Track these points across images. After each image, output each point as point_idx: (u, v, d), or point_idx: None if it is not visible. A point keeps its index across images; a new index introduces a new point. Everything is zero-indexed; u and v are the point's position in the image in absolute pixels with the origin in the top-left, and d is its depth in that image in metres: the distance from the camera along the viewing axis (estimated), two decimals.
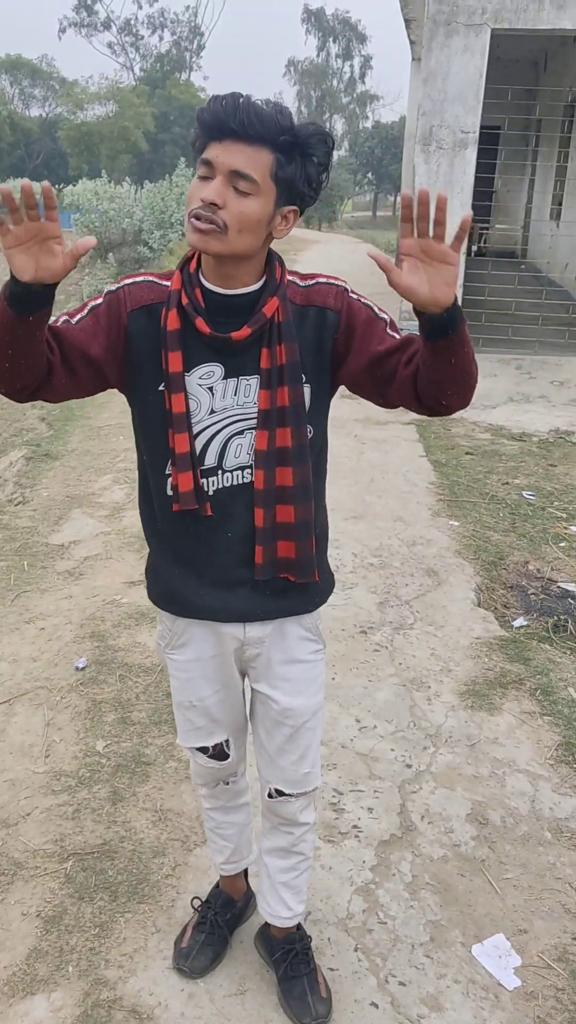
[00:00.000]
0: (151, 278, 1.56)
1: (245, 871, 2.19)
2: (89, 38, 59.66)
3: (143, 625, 3.57)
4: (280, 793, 1.84)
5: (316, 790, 1.88)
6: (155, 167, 43.48)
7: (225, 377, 1.54)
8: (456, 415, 6.91)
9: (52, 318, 1.45)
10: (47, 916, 2.20)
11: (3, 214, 1.30)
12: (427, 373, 1.44)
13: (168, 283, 1.54)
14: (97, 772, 2.71)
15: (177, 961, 2.06)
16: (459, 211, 7.46)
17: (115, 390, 1.62)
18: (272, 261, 1.54)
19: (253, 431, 1.56)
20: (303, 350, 1.54)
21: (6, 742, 2.86)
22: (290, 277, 1.57)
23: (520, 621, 3.72)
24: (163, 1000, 1.98)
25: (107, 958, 2.08)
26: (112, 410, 6.77)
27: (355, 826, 2.52)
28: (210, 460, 1.57)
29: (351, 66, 57.29)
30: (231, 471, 1.58)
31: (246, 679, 1.84)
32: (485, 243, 13.79)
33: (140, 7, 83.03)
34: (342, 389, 1.65)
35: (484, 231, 13.95)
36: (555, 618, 3.72)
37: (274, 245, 1.57)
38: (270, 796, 1.86)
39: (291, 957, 1.99)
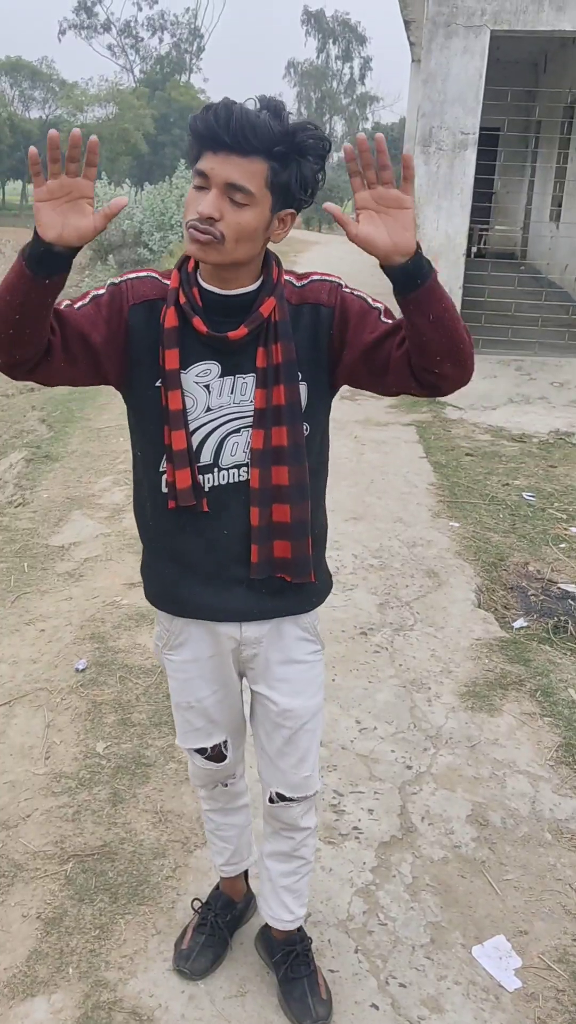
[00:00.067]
0: (154, 274, 1.57)
1: (245, 873, 2.19)
2: (89, 40, 59.62)
3: (143, 626, 3.57)
4: (281, 798, 1.84)
5: (317, 794, 1.88)
6: (155, 169, 43.51)
7: (222, 375, 1.54)
8: (456, 416, 6.93)
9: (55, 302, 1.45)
10: (47, 918, 2.20)
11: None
12: (413, 339, 1.41)
13: (169, 281, 1.55)
14: (97, 774, 2.71)
15: (177, 963, 2.06)
16: (459, 213, 7.49)
17: (114, 390, 1.62)
18: (269, 261, 1.54)
19: (249, 429, 1.56)
20: (299, 348, 1.54)
21: (6, 744, 2.86)
22: (287, 277, 1.57)
23: (520, 622, 3.72)
24: (163, 1002, 1.98)
25: (107, 960, 2.08)
26: (112, 412, 6.77)
27: (355, 827, 2.52)
28: (206, 457, 1.57)
29: (351, 68, 57.40)
30: (227, 468, 1.58)
31: (245, 681, 1.84)
32: (485, 244, 13.80)
33: (140, 9, 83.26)
34: (342, 390, 1.65)
35: (484, 232, 13.95)
36: (555, 619, 3.72)
37: (274, 247, 1.57)
38: (271, 801, 1.86)
39: (292, 959, 1.99)
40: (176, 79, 55.25)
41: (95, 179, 1.32)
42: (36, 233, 1.32)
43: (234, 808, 2.04)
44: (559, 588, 4.02)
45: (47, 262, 1.32)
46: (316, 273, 1.60)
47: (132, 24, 58.06)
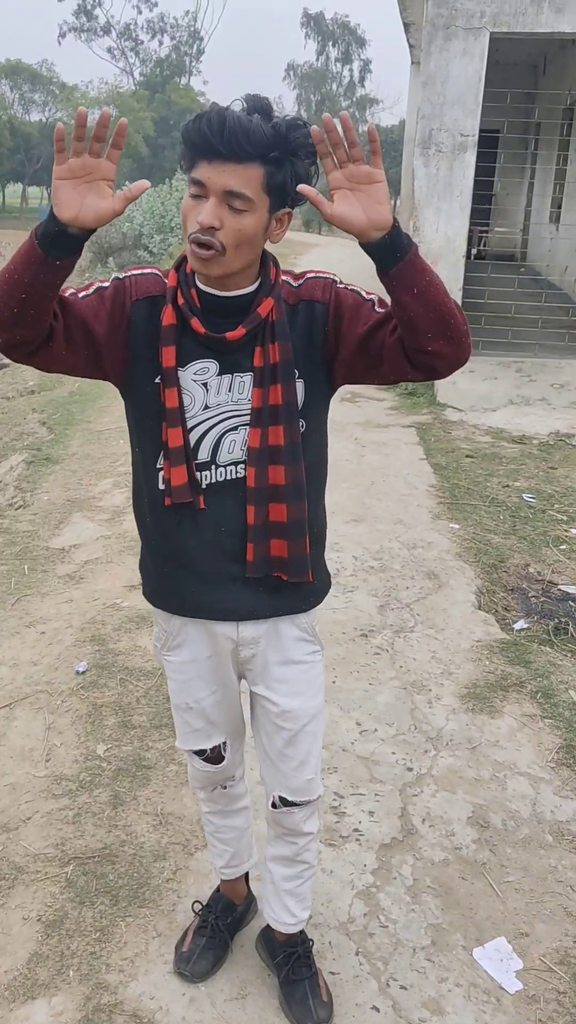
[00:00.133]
0: (157, 271, 1.58)
1: (246, 875, 2.19)
2: (89, 43, 59.65)
3: (143, 629, 3.57)
4: (284, 802, 1.83)
5: (319, 799, 1.88)
6: (155, 171, 43.57)
7: (220, 373, 1.55)
8: (456, 418, 6.94)
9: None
10: (48, 920, 2.20)
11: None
12: (401, 318, 1.40)
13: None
14: (98, 776, 2.71)
15: (178, 965, 2.06)
16: (459, 214, 7.49)
17: (114, 392, 1.62)
18: (267, 262, 1.55)
19: (247, 427, 1.56)
20: (295, 345, 1.55)
21: (7, 746, 2.86)
22: (284, 277, 1.58)
23: (521, 624, 3.72)
24: (164, 1004, 1.98)
25: (108, 962, 2.08)
26: (112, 414, 6.78)
27: (356, 830, 2.52)
28: (203, 455, 1.58)
29: (350, 70, 57.35)
30: (224, 466, 1.58)
31: (245, 683, 1.84)
32: (485, 246, 13.81)
33: (140, 12, 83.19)
34: (342, 391, 1.65)
35: (484, 234, 13.96)
36: (556, 621, 3.72)
37: (275, 249, 1.58)
38: (273, 806, 1.85)
39: (293, 960, 1.99)
40: (176, 82, 55.29)
41: (117, 162, 1.31)
42: (51, 211, 1.30)
43: (233, 810, 2.04)
44: (559, 590, 4.01)
45: (60, 243, 1.31)
46: (311, 271, 1.61)
47: (132, 27, 58.07)
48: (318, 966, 2.03)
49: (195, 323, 1.51)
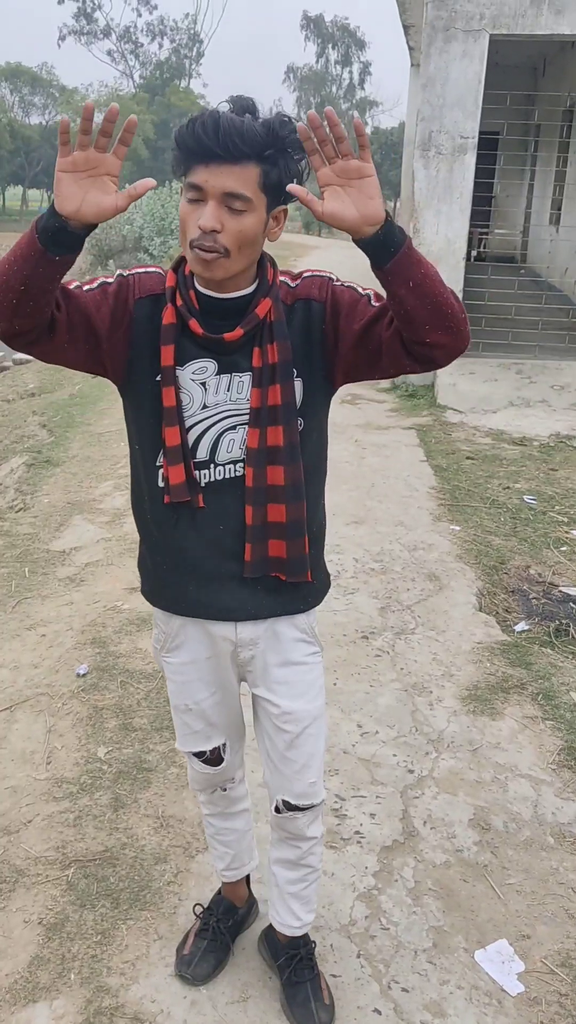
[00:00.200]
0: (160, 271, 1.58)
1: (247, 877, 2.19)
2: (89, 46, 59.78)
3: (144, 631, 3.57)
4: (287, 806, 1.83)
5: (323, 803, 1.87)
6: (155, 174, 43.49)
7: (218, 373, 1.55)
8: (456, 419, 6.93)
9: (64, 280, 1.44)
10: (49, 923, 2.19)
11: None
12: (398, 312, 1.39)
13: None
14: (99, 779, 2.71)
15: (179, 968, 2.05)
16: (459, 217, 7.50)
17: (114, 394, 1.62)
18: (264, 263, 1.55)
19: (246, 427, 1.57)
20: (293, 344, 1.55)
21: (7, 749, 2.86)
22: (282, 278, 1.58)
23: (522, 625, 3.72)
24: (165, 1007, 1.98)
25: (109, 965, 2.08)
26: (113, 416, 6.78)
27: (357, 832, 2.52)
28: (202, 454, 1.58)
29: (350, 72, 57.46)
30: (223, 465, 1.59)
31: (245, 685, 1.84)
32: (485, 248, 13.81)
33: (139, 15, 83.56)
34: (342, 392, 1.65)
35: (484, 236, 13.97)
36: (557, 622, 3.71)
37: (275, 252, 1.58)
38: (277, 810, 1.85)
39: (295, 962, 1.99)
40: (176, 84, 55.39)
41: (123, 158, 1.30)
42: (52, 205, 1.30)
43: (234, 813, 2.03)
44: (560, 591, 4.01)
45: (60, 239, 1.30)
46: (309, 271, 1.61)
47: (132, 30, 58.18)
48: (320, 968, 2.02)
49: (193, 324, 1.51)
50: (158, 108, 50.19)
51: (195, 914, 2.15)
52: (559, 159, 12.46)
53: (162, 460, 1.59)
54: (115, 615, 3.72)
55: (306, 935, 2.03)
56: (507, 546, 4.47)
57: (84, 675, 3.26)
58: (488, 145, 8.60)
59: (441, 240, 7.52)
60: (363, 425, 6.70)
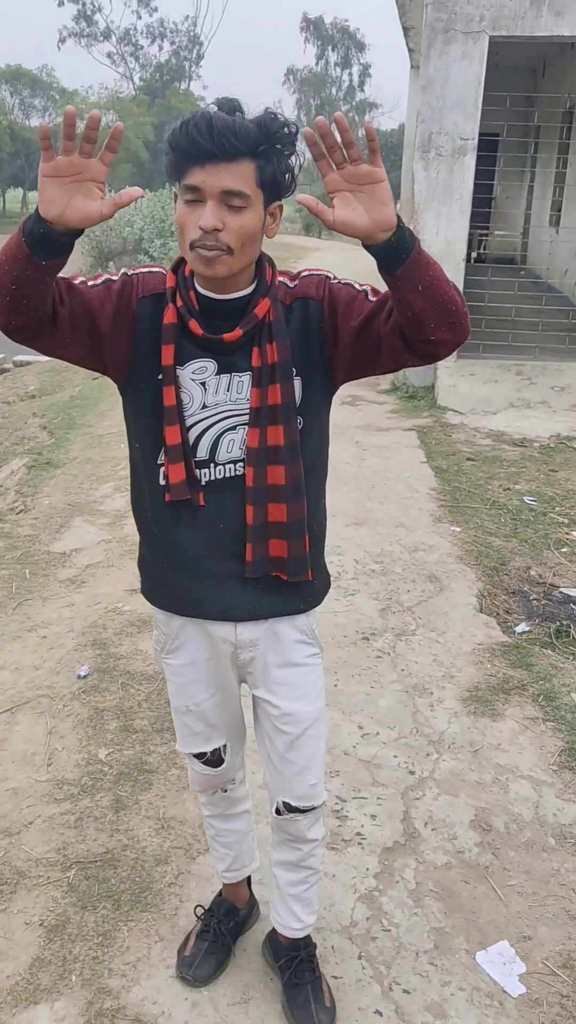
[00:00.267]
0: (163, 271, 1.59)
1: (248, 879, 2.19)
2: (89, 48, 59.97)
3: (145, 633, 3.57)
4: (288, 808, 1.83)
5: (324, 805, 1.87)
6: (155, 176, 43.66)
7: (218, 372, 1.55)
8: (457, 421, 6.93)
9: (68, 276, 1.43)
10: (50, 925, 2.19)
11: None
12: (404, 312, 1.38)
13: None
14: (99, 780, 2.71)
15: (180, 970, 2.05)
16: (459, 218, 7.50)
17: (114, 395, 1.62)
18: (262, 263, 1.55)
19: (246, 427, 1.57)
20: (292, 343, 1.55)
21: (8, 751, 2.86)
22: (281, 278, 1.58)
23: (522, 627, 3.72)
24: (167, 1009, 1.98)
25: (110, 967, 2.08)
26: (113, 418, 6.78)
27: (358, 833, 2.52)
28: (202, 453, 1.59)
29: (350, 74, 57.43)
30: (224, 464, 1.59)
31: (246, 687, 1.84)
32: (485, 249, 13.81)
33: (139, 17, 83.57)
34: (342, 393, 1.65)
35: (484, 237, 13.97)
36: (557, 623, 3.71)
37: (274, 253, 1.58)
38: (278, 812, 1.85)
39: (296, 964, 1.99)
40: (176, 86, 55.39)
41: (110, 165, 1.29)
42: (37, 209, 1.29)
43: (234, 814, 2.03)
44: (561, 592, 4.01)
45: (46, 244, 1.30)
46: (307, 270, 1.62)
47: (132, 32, 58.13)
48: (321, 970, 2.02)
49: (193, 325, 1.52)
50: (158, 110, 50.22)
51: (196, 915, 2.15)
52: (559, 160, 12.47)
53: (163, 458, 1.59)
54: (116, 617, 3.72)
55: (307, 937, 2.03)
56: (507, 547, 4.47)
57: (85, 677, 3.26)
58: (488, 147, 8.61)
59: (441, 242, 7.53)
60: (363, 426, 6.70)
